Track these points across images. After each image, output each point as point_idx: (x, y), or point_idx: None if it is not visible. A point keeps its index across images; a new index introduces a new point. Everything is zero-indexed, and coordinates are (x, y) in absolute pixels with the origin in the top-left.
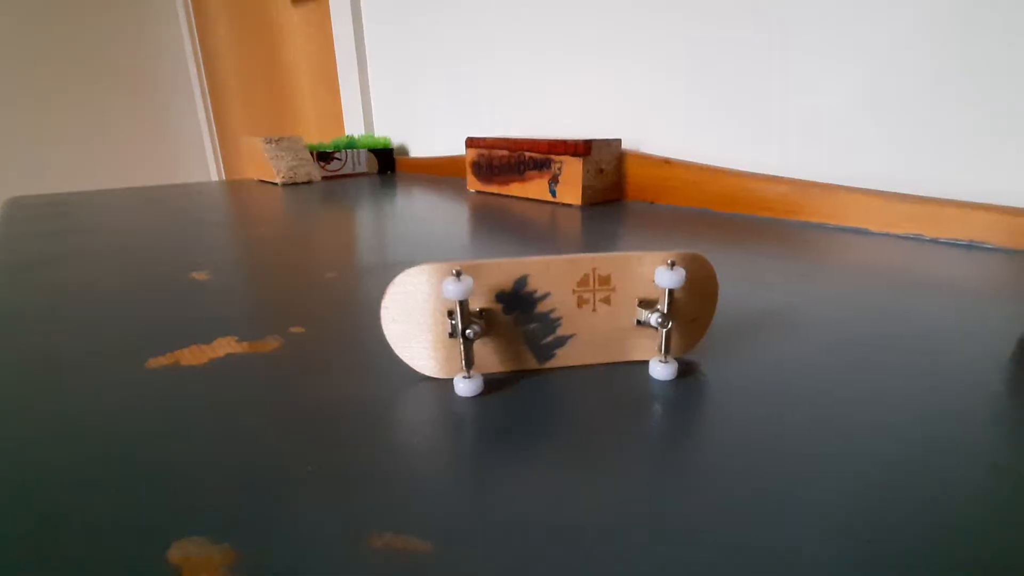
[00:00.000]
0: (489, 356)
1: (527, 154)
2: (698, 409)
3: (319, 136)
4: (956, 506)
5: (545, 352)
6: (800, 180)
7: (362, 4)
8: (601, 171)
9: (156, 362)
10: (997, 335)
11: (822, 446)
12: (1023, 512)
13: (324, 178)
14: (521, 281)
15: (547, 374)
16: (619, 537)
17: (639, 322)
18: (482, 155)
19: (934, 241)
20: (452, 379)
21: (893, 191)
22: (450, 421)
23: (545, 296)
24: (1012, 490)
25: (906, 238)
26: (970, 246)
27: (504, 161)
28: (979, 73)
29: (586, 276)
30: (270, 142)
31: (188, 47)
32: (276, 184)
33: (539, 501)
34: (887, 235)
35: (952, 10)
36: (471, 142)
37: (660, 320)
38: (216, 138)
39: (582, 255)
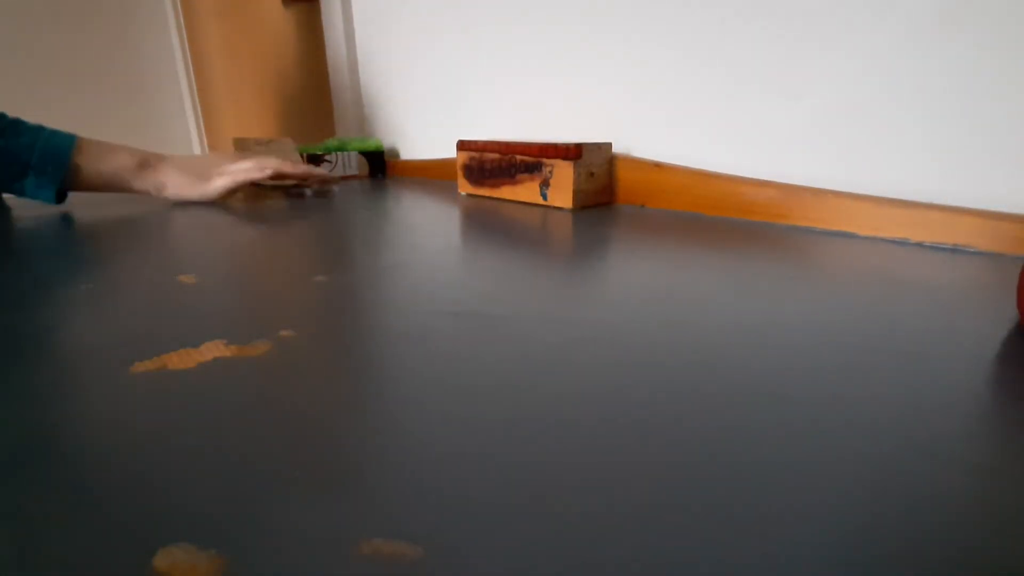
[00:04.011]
0: None
1: (518, 157)
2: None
3: (309, 138)
4: (939, 507)
5: None
6: (788, 184)
7: (353, 5)
8: (592, 174)
9: (142, 366)
10: (981, 337)
11: (804, 448)
12: (1007, 513)
13: None
14: None
15: None
16: None
17: None
18: (473, 158)
19: (920, 245)
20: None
21: (880, 196)
22: (435, 419)
23: None
24: (996, 491)
25: (892, 242)
26: (955, 250)
27: (495, 164)
28: (964, 80)
29: None
30: (260, 144)
31: (177, 47)
32: (266, 186)
33: None
34: (874, 239)
35: (938, 18)
36: (462, 145)
37: None
38: (205, 140)
39: None
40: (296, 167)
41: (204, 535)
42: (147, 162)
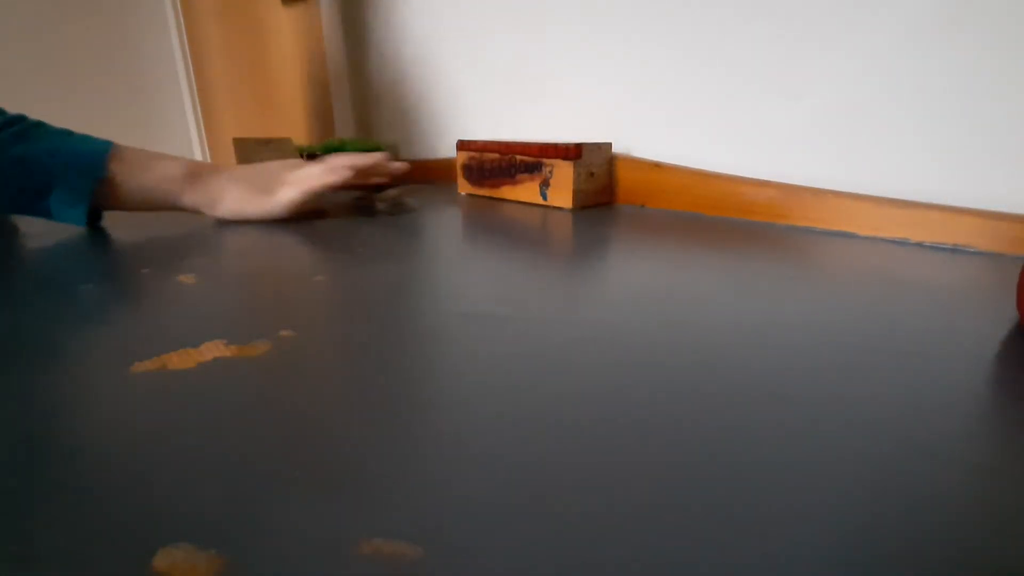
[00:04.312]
0: None
1: (518, 157)
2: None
3: (309, 138)
4: (939, 507)
5: None
6: (788, 184)
7: (352, 4)
8: (592, 175)
9: (142, 366)
10: (981, 337)
11: (804, 448)
12: (1007, 513)
13: None
14: None
15: None
16: None
17: None
18: (473, 158)
19: (919, 245)
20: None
21: (880, 196)
22: (435, 418)
23: None
24: (996, 491)
25: (892, 242)
26: (954, 250)
27: (495, 164)
28: (964, 81)
29: None
30: (260, 144)
31: (177, 47)
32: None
33: None
34: (874, 239)
35: (938, 19)
36: (462, 145)
37: None
38: (205, 140)
39: None
40: (368, 157)
41: (204, 535)
42: (197, 173)
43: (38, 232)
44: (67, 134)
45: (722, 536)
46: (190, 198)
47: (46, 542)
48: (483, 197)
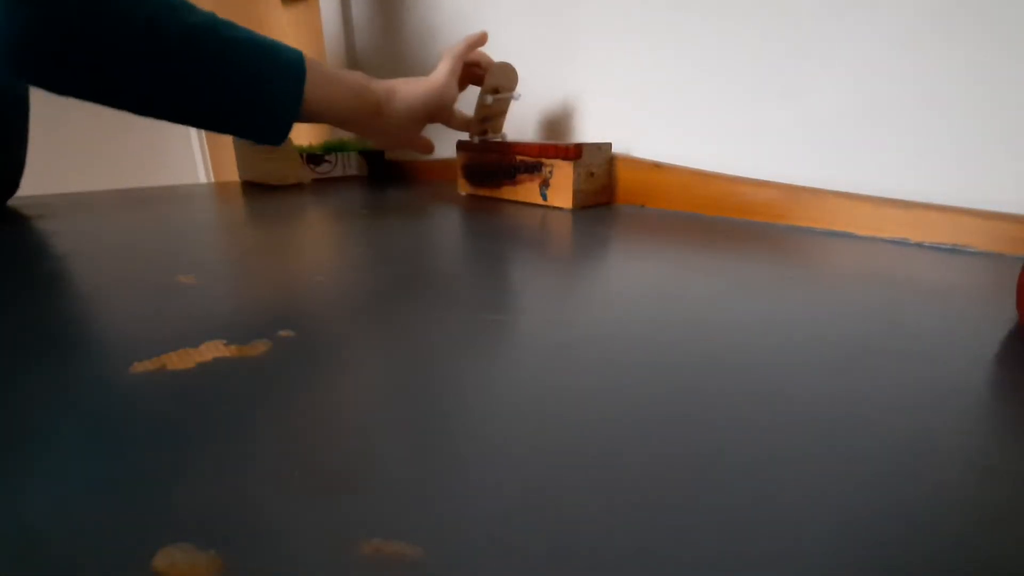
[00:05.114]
0: None
1: (518, 157)
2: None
3: (309, 137)
4: (939, 506)
5: None
6: (788, 185)
7: (352, 4)
8: (592, 175)
9: (142, 366)
10: (980, 337)
11: (804, 448)
12: (1006, 512)
13: (314, 181)
14: None
15: None
16: None
17: None
18: (473, 158)
19: (919, 245)
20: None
21: (880, 196)
22: (434, 418)
23: None
24: (996, 490)
25: (892, 242)
26: (954, 250)
27: (495, 164)
28: (965, 81)
29: None
30: (259, 144)
31: None
32: (265, 186)
33: None
34: (873, 239)
35: (938, 20)
36: (462, 145)
37: None
38: (205, 139)
39: None
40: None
41: (204, 535)
42: (373, 106)
43: (37, 231)
44: (252, 51)
45: (722, 535)
46: (372, 93)
47: (46, 542)
48: (483, 197)
